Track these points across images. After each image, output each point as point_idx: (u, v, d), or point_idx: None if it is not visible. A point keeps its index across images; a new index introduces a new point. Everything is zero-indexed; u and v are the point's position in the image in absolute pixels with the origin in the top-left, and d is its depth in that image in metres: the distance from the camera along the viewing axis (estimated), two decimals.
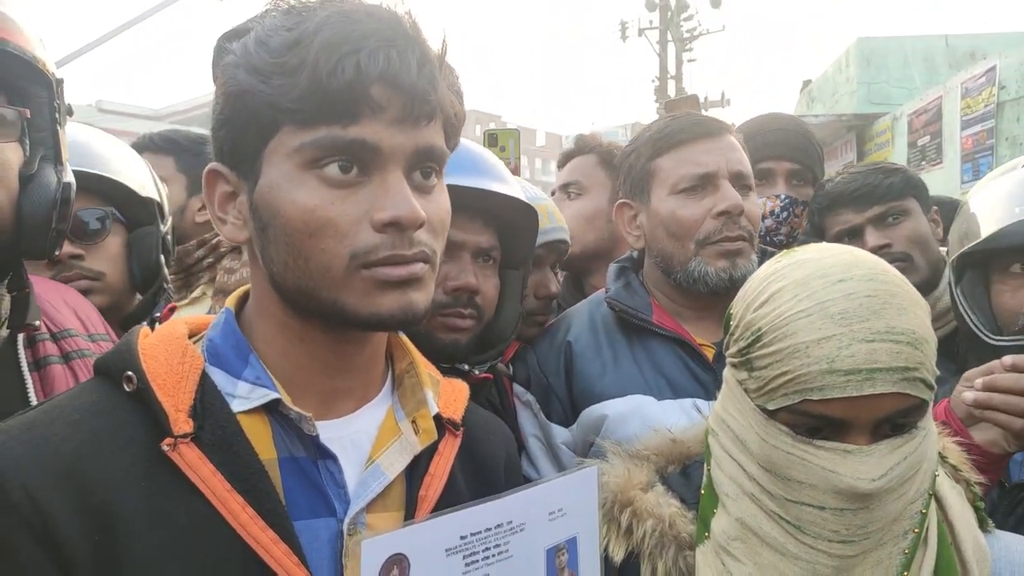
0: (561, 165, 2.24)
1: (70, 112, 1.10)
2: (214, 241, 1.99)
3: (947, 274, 1.79)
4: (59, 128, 1.07)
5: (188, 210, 2.07)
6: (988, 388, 1.25)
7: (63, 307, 1.24)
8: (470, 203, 1.33)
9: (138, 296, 1.71)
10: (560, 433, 1.57)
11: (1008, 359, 1.26)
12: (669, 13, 22.07)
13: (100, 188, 1.55)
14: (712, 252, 1.47)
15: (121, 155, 1.66)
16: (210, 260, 2.00)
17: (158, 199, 1.70)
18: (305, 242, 0.77)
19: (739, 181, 1.51)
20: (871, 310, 0.86)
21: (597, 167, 2.12)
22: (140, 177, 1.67)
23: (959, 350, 1.81)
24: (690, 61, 22.68)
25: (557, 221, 1.76)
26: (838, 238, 1.93)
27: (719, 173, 1.49)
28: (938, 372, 0.91)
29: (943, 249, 1.94)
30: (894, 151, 8.69)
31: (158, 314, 1.77)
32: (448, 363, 1.36)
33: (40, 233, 1.01)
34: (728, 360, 1.00)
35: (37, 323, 1.10)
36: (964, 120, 7.34)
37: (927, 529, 0.94)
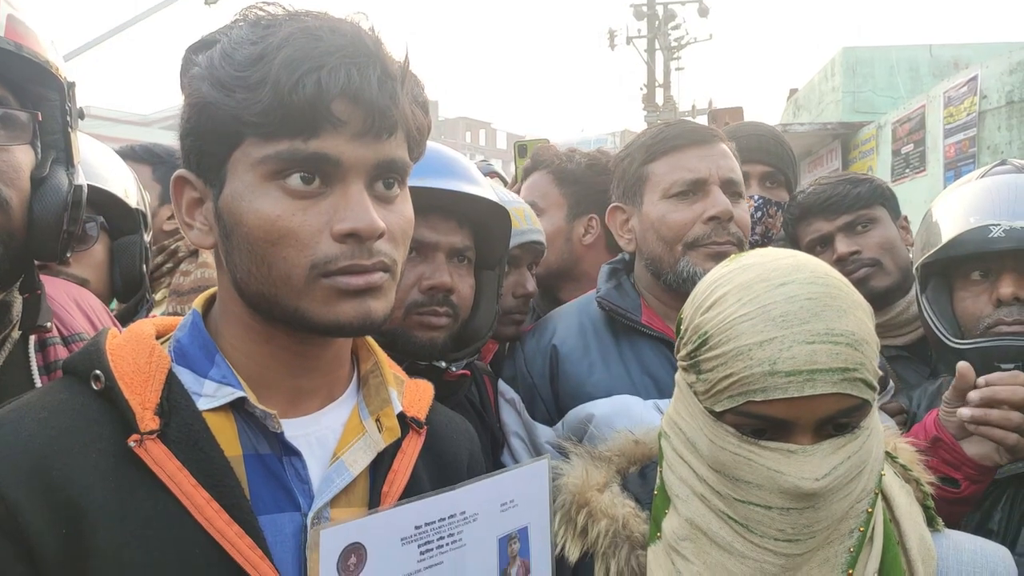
0: (522, 181, 2.25)
1: (81, 115, 1.11)
2: (172, 247, 2.03)
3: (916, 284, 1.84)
4: (70, 131, 1.08)
5: (158, 217, 2.10)
6: (986, 403, 1.28)
7: (74, 309, 1.25)
8: (443, 204, 1.36)
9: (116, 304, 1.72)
10: (544, 432, 1.60)
11: (982, 379, 1.30)
12: (657, 22, 22.20)
13: (91, 197, 1.57)
14: (701, 254, 1.51)
15: (110, 164, 1.68)
16: (170, 265, 2.04)
17: (143, 209, 1.72)
18: (267, 250, 0.79)
19: (730, 188, 1.54)
20: (811, 312, 0.88)
21: (552, 185, 2.12)
22: (127, 186, 1.68)
23: (931, 354, 1.85)
24: (678, 70, 22.90)
25: (533, 223, 1.79)
26: (811, 247, 1.98)
27: (710, 179, 1.53)
28: (880, 373, 0.94)
29: None
30: (879, 159, 8.78)
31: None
32: (425, 361, 1.39)
33: (51, 235, 1.01)
34: (679, 363, 1.03)
35: (48, 325, 1.10)
36: (947, 129, 7.42)
37: (872, 528, 0.95)
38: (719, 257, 1.48)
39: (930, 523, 1.05)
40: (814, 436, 0.90)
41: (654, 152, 1.57)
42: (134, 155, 2.14)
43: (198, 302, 0.91)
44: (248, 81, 0.77)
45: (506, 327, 1.75)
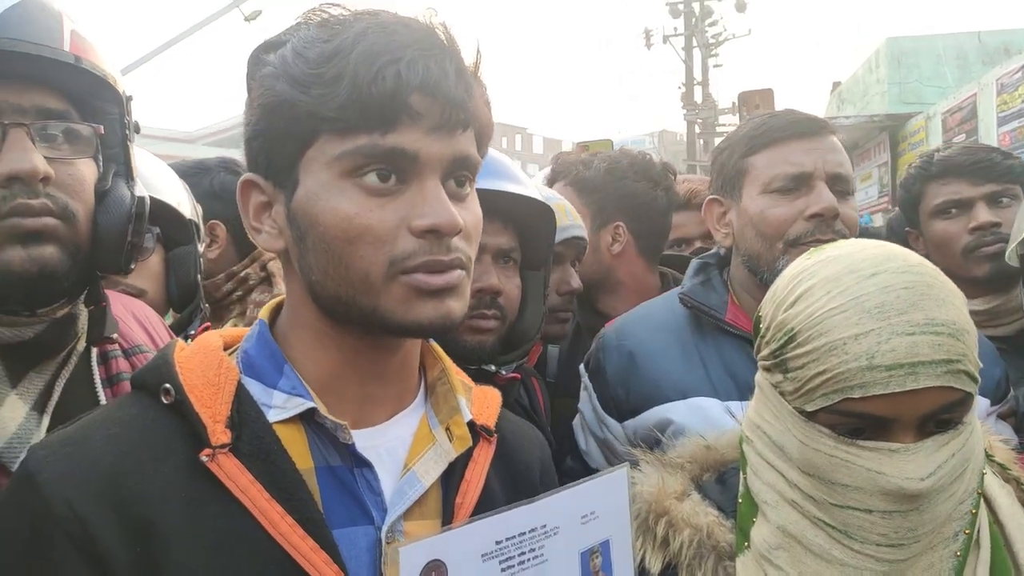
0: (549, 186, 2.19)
1: (137, 129, 1.13)
2: (242, 274, 1.98)
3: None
4: (129, 144, 1.09)
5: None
6: None
7: (133, 322, 1.26)
8: (488, 205, 1.34)
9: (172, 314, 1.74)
10: (614, 426, 1.57)
11: None
12: (693, 19, 22.01)
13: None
14: (801, 252, 1.45)
15: (162, 175, 1.70)
16: (239, 293, 1.99)
17: (196, 220, 1.74)
18: (344, 249, 0.78)
19: (837, 184, 1.46)
20: (909, 302, 0.84)
21: (573, 196, 2.04)
22: (180, 197, 1.71)
23: None
24: (716, 66, 22.67)
25: (574, 219, 1.76)
26: (943, 208, 1.88)
27: (815, 174, 1.44)
28: (981, 364, 0.88)
29: None
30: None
31: (192, 332, 1.79)
32: (474, 365, 1.37)
33: (116, 248, 1.03)
34: (760, 363, 0.98)
35: (115, 336, 1.12)
36: (1000, 116, 7.21)
37: (979, 530, 0.91)
38: None
39: None
40: (916, 434, 0.86)
41: (756, 144, 1.50)
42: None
43: (264, 311, 0.90)
44: (324, 77, 0.76)
45: (552, 325, 1.73)
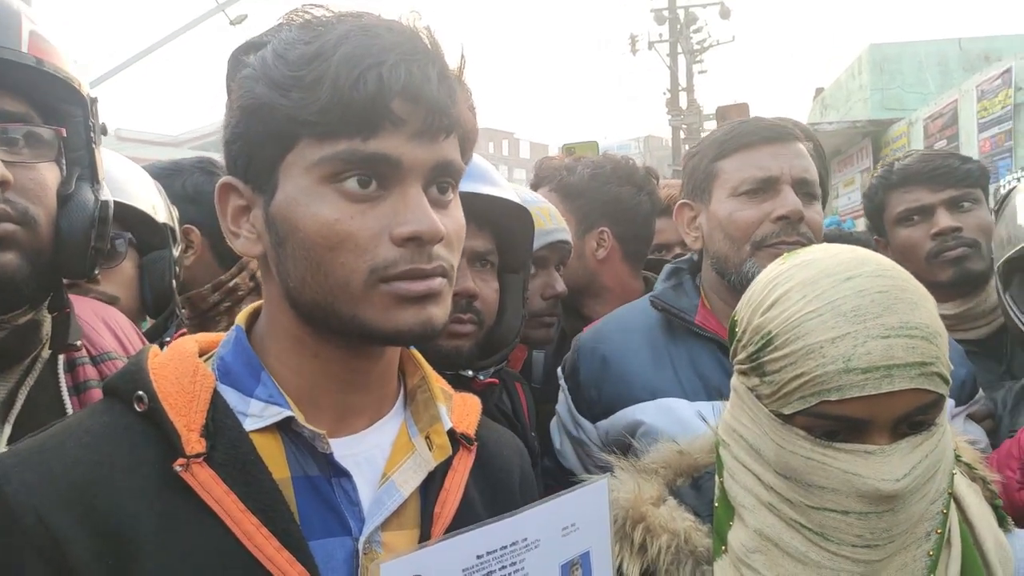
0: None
1: (104, 131, 1.10)
2: (231, 284, 1.93)
3: (995, 280, 1.77)
4: (94, 147, 1.07)
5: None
6: None
7: (102, 328, 1.23)
8: (464, 207, 1.33)
9: (149, 320, 1.71)
10: (587, 426, 1.59)
11: None
12: (679, 26, 22.14)
13: (118, 213, 1.56)
14: (767, 254, 1.45)
15: (136, 179, 1.67)
16: (227, 304, 1.93)
17: (170, 223, 1.70)
18: (324, 256, 0.76)
19: (802, 188, 1.49)
20: (884, 306, 0.85)
21: (556, 201, 2.02)
22: (154, 201, 1.67)
23: (1006, 351, 1.78)
24: (701, 72, 22.76)
25: (558, 222, 1.75)
26: (905, 216, 1.91)
27: (782, 178, 1.48)
28: (950, 367, 0.89)
29: None
30: None
31: (168, 338, 1.76)
32: (451, 370, 1.35)
33: (79, 253, 1.01)
34: (736, 367, 0.99)
35: (79, 344, 1.09)
36: (981, 123, 7.29)
37: (950, 530, 0.92)
38: None
39: (1000, 523, 1.01)
40: (891, 436, 0.87)
41: (725, 149, 1.53)
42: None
43: (240, 317, 0.88)
44: (304, 80, 0.74)
45: (536, 330, 1.72)
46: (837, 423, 0.87)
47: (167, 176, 1.93)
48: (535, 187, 2.14)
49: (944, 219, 1.83)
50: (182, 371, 0.80)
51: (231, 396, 0.81)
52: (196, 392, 0.79)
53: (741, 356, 0.96)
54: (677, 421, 1.42)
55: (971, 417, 1.58)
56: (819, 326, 0.86)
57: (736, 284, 1.49)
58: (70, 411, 1.05)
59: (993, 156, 7.09)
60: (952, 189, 1.85)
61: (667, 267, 1.69)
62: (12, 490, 0.72)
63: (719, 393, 1.45)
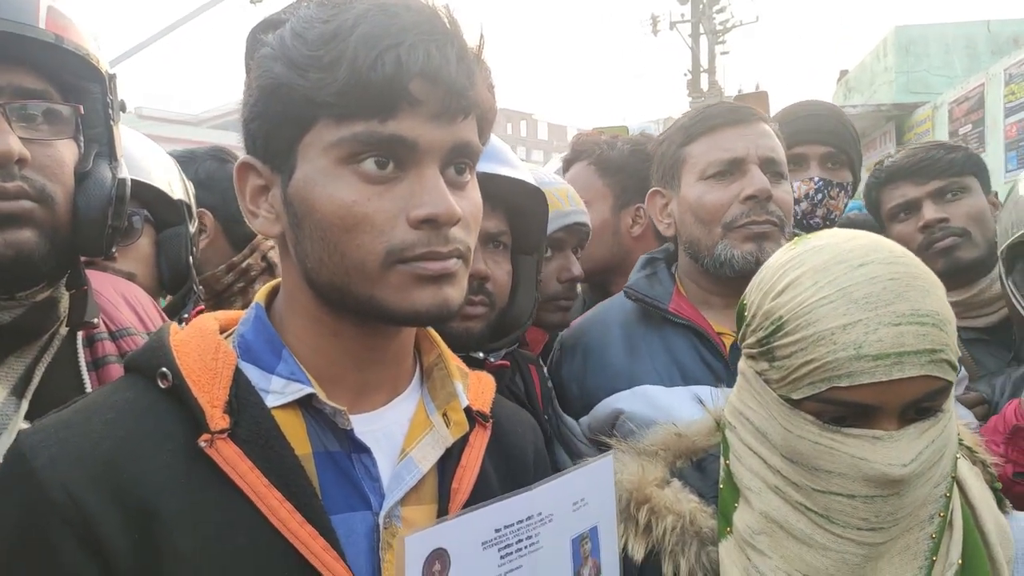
0: (565, 170, 2.17)
1: (123, 108, 1.10)
2: (244, 265, 1.95)
3: (1000, 266, 1.76)
4: (113, 124, 1.06)
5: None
6: None
7: (122, 304, 1.23)
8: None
9: (166, 296, 1.72)
10: (572, 425, 1.59)
11: None
12: (701, 5, 21.84)
13: (135, 190, 1.57)
14: (739, 235, 1.47)
15: (151, 156, 1.68)
16: (241, 284, 1.95)
17: (187, 200, 1.72)
18: (341, 237, 0.77)
19: (770, 168, 1.50)
20: (895, 293, 0.86)
21: (594, 176, 2.05)
22: (169, 178, 1.69)
23: (1013, 339, 1.77)
24: (723, 54, 22.45)
25: (576, 204, 1.74)
26: (895, 212, 1.93)
27: (748, 158, 1.48)
28: (958, 353, 0.90)
29: None
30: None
31: (186, 315, 1.76)
32: (462, 352, 1.35)
33: (96, 230, 1.01)
34: (745, 351, 0.99)
35: (96, 321, 1.09)
36: (1008, 107, 7.16)
37: (952, 512, 0.93)
38: (757, 239, 1.46)
39: (999, 505, 1.02)
40: (898, 421, 0.88)
41: (692, 133, 1.54)
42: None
43: (260, 295, 0.90)
44: (322, 60, 0.74)
45: (552, 314, 1.71)
46: (846, 408, 0.88)
47: (182, 163, 1.95)
48: (571, 161, 2.13)
49: (929, 211, 1.85)
50: (204, 348, 0.81)
51: (253, 373, 0.82)
52: (218, 369, 0.80)
53: (750, 340, 0.97)
54: (654, 407, 1.43)
55: (962, 403, 1.59)
56: (831, 312, 0.86)
57: (710, 267, 1.50)
58: (89, 387, 1.05)
59: (1019, 142, 6.97)
60: (937, 180, 1.86)
61: (642, 257, 1.69)
62: (40, 465, 0.73)
63: (695, 379, 1.47)
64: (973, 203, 1.86)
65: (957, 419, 1.10)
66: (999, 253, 1.57)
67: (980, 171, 1.91)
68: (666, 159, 1.58)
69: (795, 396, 0.90)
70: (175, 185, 1.69)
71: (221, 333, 0.86)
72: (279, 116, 0.78)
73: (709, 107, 1.58)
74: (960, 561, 0.92)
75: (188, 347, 0.81)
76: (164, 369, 0.79)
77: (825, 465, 0.88)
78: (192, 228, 1.72)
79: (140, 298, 1.31)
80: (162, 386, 0.79)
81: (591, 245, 2.00)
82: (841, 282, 0.87)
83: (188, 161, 1.98)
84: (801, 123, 2.14)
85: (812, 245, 0.94)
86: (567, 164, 2.16)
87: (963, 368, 1.64)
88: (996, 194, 1.99)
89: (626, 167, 2.02)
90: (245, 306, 1.95)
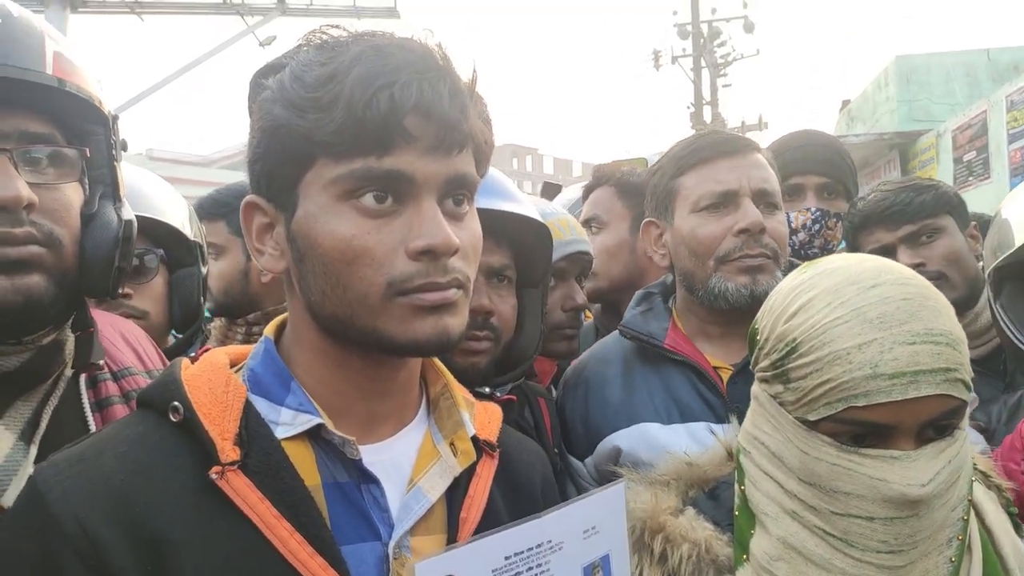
0: (584, 198, 2.23)
1: (125, 147, 1.11)
2: (270, 310, 1.92)
3: (987, 290, 1.75)
4: (116, 165, 1.07)
5: (252, 272, 1.93)
6: None
7: (121, 343, 1.24)
8: (480, 223, 1.34)
9: (174, 335, 1.73)
10: (578, 467, 1.58)
11: None
12: (702, 40, 22.07)
13: (150, 229, 1.59)
14: (732, 268, 1.46)
15: (166, 196, 1.71)
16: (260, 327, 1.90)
17: (200, 241, 1.74)
18: (343, 271, 0.79)
19: (763, 199, 1.49)
20: (909, 313, 0.87)
21: (615, 198, 2.09)
22: (184, 219, 1.71)
23: (1006, 368, 1.76)
24: (725, 86, 22.60)
25: (577, 233, 1.76)
26: None
27: (740, 191, 1.47)
28: (971, 373, 0.90)
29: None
30: (939, 168, 8.54)
31: (192, 354, 1.77)
32: (468, 387, 1.36)
33: (103, 272, 1.01)
34: (758, 375, 0.99)
35: (101, 363, 1.10)
36: (1011, 133, 7.19)
37: (970, 536, 0.93)
38: (751, 271, 1.45)
39: (1016, 530, 1.02)
40: (915, 441, 0.88)
41: (683, 165, 1.53)
42: (204, 212, 2.01)
43: (269, 329, 0.91)
44: (320, 101, 0.77)
45: (557, 343, 1.71)
46: (863, 428, 0.88)
47: (236, 196, 1.96)
48: (592, 188, 2.18)
49: (904, 258, 1.80)
50: (215, 382, 0.83)
51: (262, 405, 0.83)
52: (229, 402, 0.81)
53: (764, 364, 0.97)
54: (651, 446, 1.42)
55: None
56: (845, 332, 0.87)
57: (704, 300, 1.49)
58: (93, 428, 1.05)
59: None
60: (909, 224, 1.83)
61: (638, 293, 1.68)
62: (54, 498, 0.74)
63: (692, 415, 1.46)
64: (948, 244, 1.83)
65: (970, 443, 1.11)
66: (986, 275, 1.57)
67: (954, 208, 1.88)
68: (659, 190, 1.58)
69: (811, 417, 0.90)
70: (187, 225, 1.71)
71: (231, 367, 0.87)
72: (280, 156, 0.80)
73: (701, 137, 1.57)
74: None
75: (199, 381, 0.83)
76: (176, 403, 0.80)
77: (843, 487, 0.88)
78: (204, 270, 1.73)
79: (139, 337, 1.31)
80: (173, 420, 0.80)
81: (609, 263, 2.03)
82: (854, 303, 0.88)
83: (237, 197, 1.93)
84: (798, 153, 2.15)
85: (823, 268, 0.95)
86: (588, 191, 2.20)
87: (973, 391, 1.63)
88: (976, 225, 1.97)
89: (645, 190, 2.05)
90: None
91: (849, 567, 0.88)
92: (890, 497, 0.86)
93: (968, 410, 1.55)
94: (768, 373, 0.96)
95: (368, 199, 0.78)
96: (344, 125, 0.76)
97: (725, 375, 1.49)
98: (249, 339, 1.88)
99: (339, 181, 0.78)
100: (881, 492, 0.86)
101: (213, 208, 1.98)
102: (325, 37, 0.83)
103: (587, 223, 2.14)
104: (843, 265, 0.94)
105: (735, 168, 1.49)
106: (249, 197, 0.86)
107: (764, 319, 0.99)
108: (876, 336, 0.86)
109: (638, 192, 2.03)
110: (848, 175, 2.19)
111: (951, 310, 0.90)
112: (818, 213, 2.10)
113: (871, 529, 0.87)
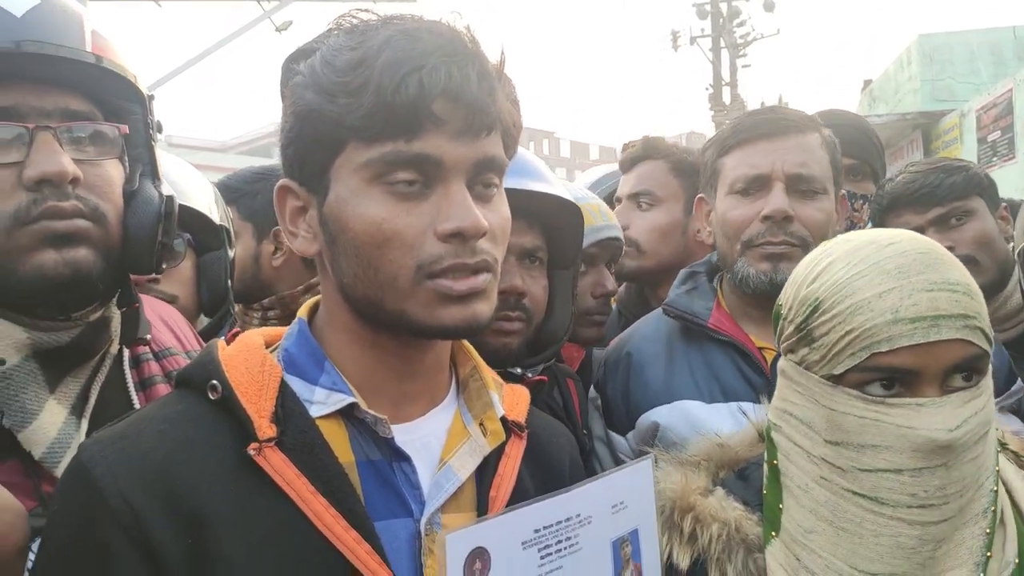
0: (626, 169, 2.16)
1: (160, 128, 1.12)
2: (284, 295, 1.92)
3: (1017, 272, 1.74)
4: (153, 144, 1.09)
5: (263, 256, 1.94)
6: None
7: (160, 325, 1.26)
8: (513, 204, 1.34)
9: (203, 319, 1.75)
10: (619, 442, 1.59)
11: None
12: (721, 20, 21.82)
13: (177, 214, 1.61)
14: (756, 254, 1.46)
15: (192, 180, 1.72)
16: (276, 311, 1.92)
17: (227, 225, 1.76)
18: (373, 253, 0.80)
19: (798, 185, 1.46)
20: (925, 264, 0.90)
21: (669, 175, 2.05)
22: (210, 202, 1.73)
23: None
24: (745, 67, 22.38)
25: (609, 219, 1.75)
26: None
27: (773, 175, 1.46)
28: (991, 327, 0.93)
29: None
30: (963, 148, 8.42)
31: (222, 337, 1.78)
32: (499, 367, 1.34)
33: (147, 248, 1.02)
34: (783, 347, 1.01)
35: (148, 337, 1.11)
36: None
37: (1003, 510, 0.94)
38: (773, 259, 1.44)
39: None
40: (940, 389, 0.90)
41: (727, 144, 1.53)
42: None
43: (302, 310, 0.93)
44: (350, 86, 0.78)
45: (586, 329, 1.71)
46: (888, 374, 0.90)
47: (257, 181, 1.98)
48: (639, 159, 2.11)
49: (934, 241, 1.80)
50: (251, 362, 0.85)
51: (297, 385, 0.85)
52: (265, 381, 0.83)
53: (788, 331, 0.99)
54: (691, 423, 1.42)
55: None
56: (866, 285, 0.91)
57: (733, 281, 1.50)
58: (137, 406, 1.07)
59: None
60: (938, 207, 1.82)
61: (682, 272, 1.68)
62: (99, 474, 0.76)
63: (735, 395, 1.46)
64: (978, 227, 1.81)
65: (1007, 428, 1.12)
66: (1016, 255, 1.55)
67: (984, 189, 1.86)
68: (707, 168, 1.58)
69: (837, 371, 0.92)
70: (214, 210, 1.73)
71: (266, 348, 0.89)
72: (312, 140, 0.82)
73: (750, 115, 1.57)
74: (1017, 560, 0.92)
75: (236, 361, 0.85)
76: (214, 381, 0.82)
77: (871, 440, 0.90)
78: (231, 253, 1.75)
79: (176, 320, 1.34)
80: (212, 398, 0.82)
81: (659, 243, 2.01)
82: (873, 258, 0.92)
83: (266, 178, 1.98)
84: None
85: (840, 239, 1.00)
86: (633, 161, 2.13)
87: (1020, 380, 1.61)
88: (1006, 207, 1.94)
89: (700, 170, 2.02)
90: None
91: (881, 527, 0.89)
92: (918, 444, 0.88)
93: (1012, 399, 1.55)
94: (793, 339, 0.98)
95: (398, 183, 0.80)
96: (374, 109, 0.77)
97: (769, 356, 1.49)
98: (265, 323, 1.90)
99: (369, 165, 0.79)
100: (909, 440, 0.88)
101: (224, 194, 1.97)
102: (355, 21, 0.84)
103: (635, 196, 2.08)
104: (858, 235, 0.98)
105: (772, 151, 1.47)
106: (282, 181, 0.88)
107: (786, 292, 1.02)
108: (896, 284, 0.89)
109: (693, 171, 1.98)
110: (875, 156, 2.17)
111: (965, 270, 0.94)
112: (846, 194, 2.09)
113: (900, 482, 0.89)
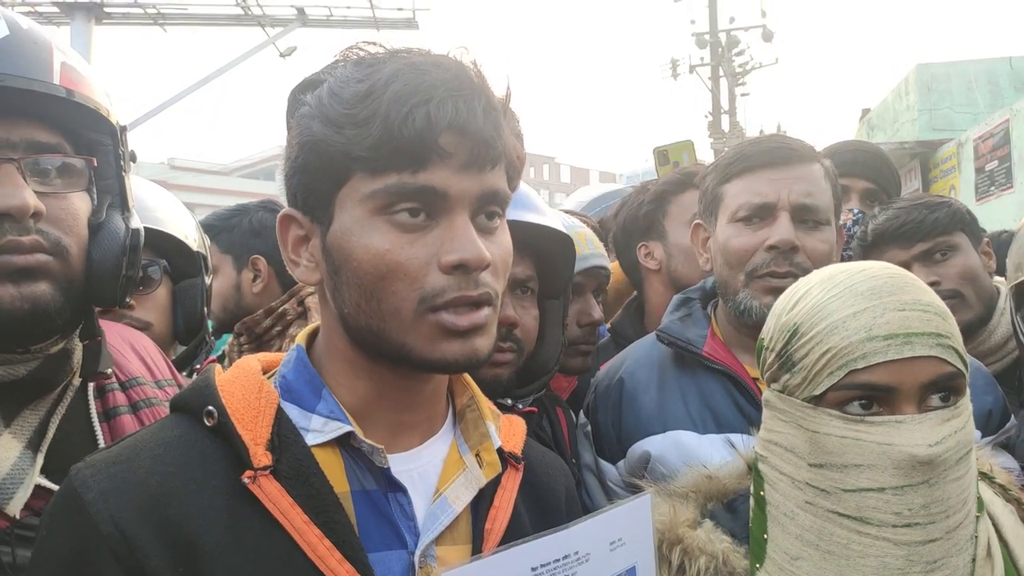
0: (672, 194, 2.03)
1: (133, 158, 1.12)
2: (280, 310, 1.98)
3: (1000, 305, 1.74)
4: (124, 175, 1.08)
5: (244, 284, 2.03)
6: None
7: (130, 353, 1.25)
8: None
9: (179, 347, 1.74)
10: (608, 471, 1.57)
11: None
12: (720, 49, 22.02)
13: (153, 241, 1.58)
14: (760, 286, 1.43)
15: (170, 208, 1.71)
16: (278, 328, 1.99)
17: (204, 252, 1.75)
18: (377, 284, 0.80)
19: (803, 215, 1.45)
20: (897, 286, 0.94)
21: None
22: (188, 229, 1.72)
23: (1021, 383, 1.75)
24: (744, 95, 22.54)
25: (596, 248, 1.75)
26: None
27: (778, 204, 1.44)
28: (964, 350, 0.95)
29: (999, 279, 1.88)
30: (961, 177, 8.46)
31: (198, 365, 1.77)
32: (490, 398, 1.36)
33: (110, 281, 1.02)
34: (767, 377, 1.02)
35: (109, 371, 1.10)
36: None
37: (989, 542, 0.94)
38: (776, 292, 1.40)
39: None
40: (918, 407, 0.91)
41: (730, 172, 1.51)
42: None
43: (300, 337, 0.93)
44: (357, 118, 0.79)
45: (572, 358, 1.71)
46: (865, 391, 0.92)
47: (234, 216, 2.05)
48: (685, 185, 2.00)
49: (919, 276, 1.80)
50: (248, 388, 0.84)
51: (293, 412, 0.85)
52: (261, 408, 0.82)
53: (770, 359, 1.01)
54: (683, 453, 1.40)
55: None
56: (840, 306, 0.94)
57: (734, 312, 1.47)
58: (100, 439, 1.06)
59: None
60: (922, 243, 1.82)
61: (676, 297, 1.65)
62: (92, 498, 0.76)
63: (728, 425, 1.44)
64: (963, 262, 1.82)
65: (994, 461, 1.12)
66: (1008, 291, 1.55)
67: (967, 225, 1.87)
68: (707, 195, 1.56)
69: (818, 391, 0.94)
70: (191, 236, 1.72)
71: (263, 374, 0.89)
72: (318, 170, 0.82)
73: (753, 143, 1.54)
74: None
75: (233, 387, 0.84)
76: (211, 407, 0.82)
77: (853, 459, 0.91)
78: (208, 280, 1.74)
79: (148, 347, 1.32)
80: (208, 424, 0.82)
81: (686, 265, 1.95)
82: (847, 283, 0.96)
83: (242, 214, 2.06)
84: (847, 156, 2.21)
85: (817, 270, 1.04)
86: (680, 188, 2.04)
87: (1013, 417, 1.59)
88: (988, 242, 1.95)
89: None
90: (281, 349, 1.99)
91: (867, 547, 0.89)
92: (899, 461, 0.89)
93: (1006, 436, 1.54)
94: (775, 367, 1.00)
95: (402, 214, 0.80)
96: (380, 141, 0.78)
97: (764, 386, 1.47)
98: (242, 352, 1.93)
99: (374, 196, 0.80)
100: (890, 457, 0.89)
101: (204, 231, 2.02)
102: (362, 53, 0.84)
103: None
104: (835, 265, 1.03)
105: (776, 180, 1.45)
106: (285, 210, 0.88)
107: (768, 324, 1.05)
108: (868, 305, 0.92)
109: None
110: (893, 185, 2.23)
111: (937, 296, 0.97)
112: (860, 215, 2.11)
113: (883, 501, 0.89)
